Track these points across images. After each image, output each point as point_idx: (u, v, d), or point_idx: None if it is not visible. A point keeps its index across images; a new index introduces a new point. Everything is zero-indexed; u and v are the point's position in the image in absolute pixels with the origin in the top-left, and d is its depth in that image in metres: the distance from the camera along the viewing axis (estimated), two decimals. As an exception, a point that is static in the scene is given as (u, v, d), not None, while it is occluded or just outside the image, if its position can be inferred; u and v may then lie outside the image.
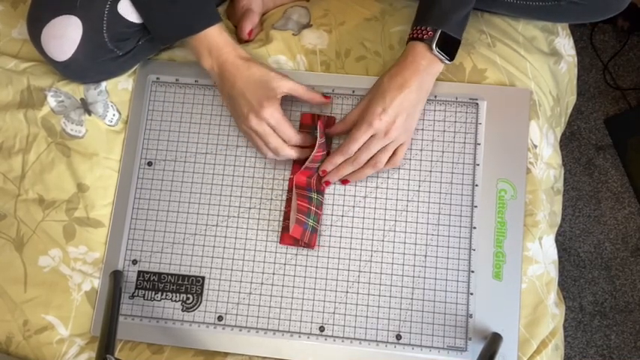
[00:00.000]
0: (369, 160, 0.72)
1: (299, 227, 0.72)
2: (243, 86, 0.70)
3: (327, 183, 0.74)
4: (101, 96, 0.79)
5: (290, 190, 0.75)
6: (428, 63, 0.70)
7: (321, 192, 0.75)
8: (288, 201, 0.75)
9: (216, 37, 0.71)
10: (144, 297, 0.75)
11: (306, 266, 0.74)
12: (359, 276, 0.73)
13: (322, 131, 0.74)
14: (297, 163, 0.75)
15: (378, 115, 0.69)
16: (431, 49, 0.69)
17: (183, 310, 0.74)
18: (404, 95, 0.69)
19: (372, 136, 0.71)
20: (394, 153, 0.73)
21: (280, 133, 0.71)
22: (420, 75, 0.69)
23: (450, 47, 0.70)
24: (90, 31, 0.70)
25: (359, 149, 0.72)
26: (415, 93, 0.70)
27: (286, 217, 0.75)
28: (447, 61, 0.70)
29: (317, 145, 0.72)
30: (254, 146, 0.75)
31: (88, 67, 0.73)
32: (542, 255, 0.74)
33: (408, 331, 0.72)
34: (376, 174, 0.75)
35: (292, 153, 0.73)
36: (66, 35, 0.69)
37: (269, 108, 0.70)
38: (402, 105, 0.69)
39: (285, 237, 0.74)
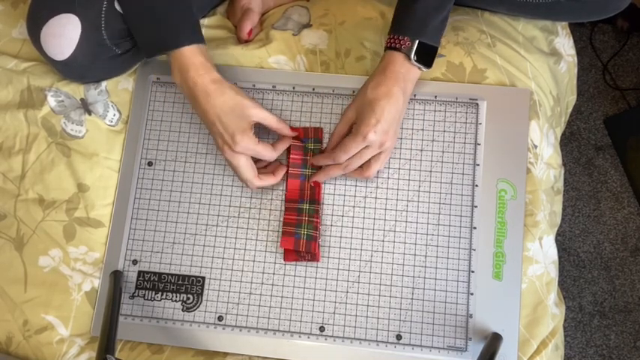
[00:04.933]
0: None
1: (288, 238, 0.73)
2: (214, 116, 0.68)
3: (316, 183, 0.74)
4: (101, 96, 0.79)
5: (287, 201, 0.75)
6: (407, 71, 0.70)
7: (315, 200, 0.75)
8: (286, 209, 0.75)
9: (189, 57, 0.68)
10: (144, 297, 0.75)
11: (306, 266, 0.74)
12: (359, 276, 0.73)
13: (298, 135, 0.76)
14: (291, 178, 0.76)
15: (372, 127, 0.69)
16: (409, 58, 0.69)
17: (183, 310, 0.74)
18: (392, 104, 0.69)
19: (367, 146, 0.71)
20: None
21: (261, 157, 0.72)
22: (401, 83, 0.69)
23: (427, 55, 0.70)
24: (89, 30, 0.70)
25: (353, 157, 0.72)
26: (400, 101, 0.70)
27: (284, 222, 0.75)
28: (424, 69, 0.70)
29: (291, 147, 0.75)
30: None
31: (87, 66, 0.73)
32: (542, 255, 0.74)
33: (408, 331, 0.72)
34: (375, 175, 0.75)
35: (260, 184, 0.73)
36: (65, 34, 0.69)
37: (242, 142, 0.68)
38: (392, 114, 0.69)
39: (287, 254, 0.74)
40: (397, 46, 0.69)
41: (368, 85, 0.71)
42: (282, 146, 0.74)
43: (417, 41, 0.68)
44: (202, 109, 0.69)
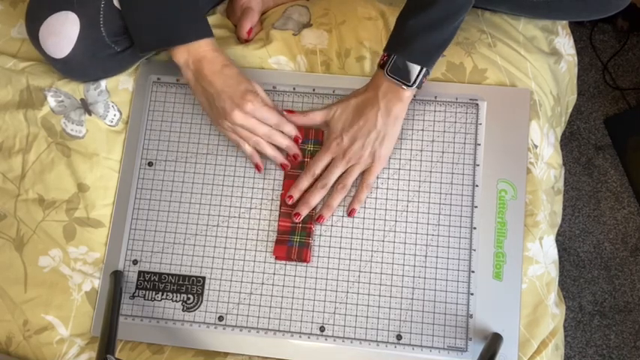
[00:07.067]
0: (337, 185, 0.73)
1: (281, 247, 0.73)
2: (221, 84, 0.70)
3: (297, 215, 0.73)
4: (102, 96, 0.79)
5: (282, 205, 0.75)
6: (387, 88, 0.70)
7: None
8: (281, 214, 0.75)
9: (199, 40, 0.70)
10: (144, 297, 0.75)
11: (306, 266, 0.74)
12: (359, 276, 0.73)
13: (300, 136, 0.75)
14: (287, 179, 0.76)
15: (334, 140, 0.72)
16: (385, 74, 0.69)
17: (183, 310, 0.74)
18: (362, 122, 0.71)
19: (333, 158, 0.73)
20: (364, 177, 0.73)
21: (267, 122, 0.72)
22: (380, 101, 0.70)
23: (406, 73, 0.68)
24: (87, 27, 0.70)
25: (324, 173, 0.73)
26: (374, 120, 0.70)
27: (279, 231, 0.75)
28: (405, 87, 0.69)
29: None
30: (234, 144, 0.75)
31: (86, 64, 0.73)
32: (542, 255, 0.74)
33: (409, 332, 0.72)
34: (375, 180, 0.75)
35: (272, 152, 0.74)
36: (63, 32, 0.69)
37: (252, 101, 0.70)
38: (361, 131, 0.71)
39: (277, 250, 0.74)
40: (381, 62, 0.70)
41: (355, 95, 0.73)
42: (290, 123, 0.74)
43: (393, 56, 0.68)
44: (208, 81, 0.70)
